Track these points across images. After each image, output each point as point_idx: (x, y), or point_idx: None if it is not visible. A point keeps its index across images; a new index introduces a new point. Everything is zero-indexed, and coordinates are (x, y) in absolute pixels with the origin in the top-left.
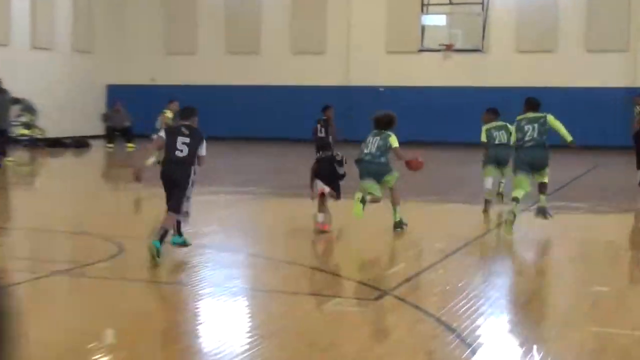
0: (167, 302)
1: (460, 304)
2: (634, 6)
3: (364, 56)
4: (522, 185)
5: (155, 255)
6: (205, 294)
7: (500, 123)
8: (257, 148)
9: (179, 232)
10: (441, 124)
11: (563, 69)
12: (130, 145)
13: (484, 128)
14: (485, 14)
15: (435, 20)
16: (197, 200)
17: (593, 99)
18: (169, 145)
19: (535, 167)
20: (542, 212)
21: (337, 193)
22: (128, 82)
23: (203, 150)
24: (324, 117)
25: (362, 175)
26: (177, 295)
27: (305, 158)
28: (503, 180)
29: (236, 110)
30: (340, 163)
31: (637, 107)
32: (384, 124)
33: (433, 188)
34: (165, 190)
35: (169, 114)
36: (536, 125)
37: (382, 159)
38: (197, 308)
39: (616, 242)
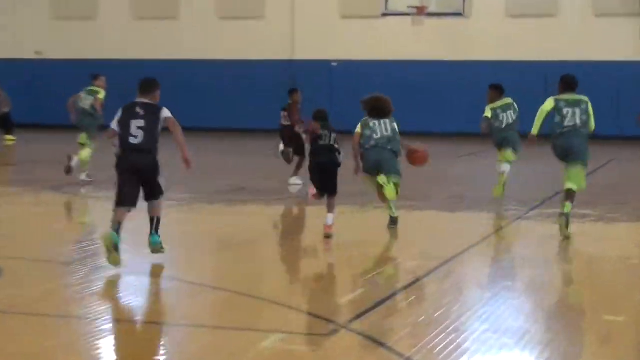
0: (59, 340)
1: (437, 340)
2: None
3: (313, 22)
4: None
5: (160, 249)
6: (107, 330)
7: (507, 101)
8: None
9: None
10: (412, 109)
11: (565, 38)
12: (9, 137)
13: (488, 107)
14: None
15: None
16: (102, 207)
17: (603, 76)
18: (123, 131)
19: (569, 159)
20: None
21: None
22: (5, 56)
23: (165, 113)
24: (290, 102)
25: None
26: (73, 331)
27: (242, 154)
28: (504, 170)
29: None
30: (338, 151)
31: None
32: (387, 112)
33: (405, 191)
34: (126, 183)
35: (102, 94)
36: (577, 110)
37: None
38: (96, 348)
39: (632, 260)
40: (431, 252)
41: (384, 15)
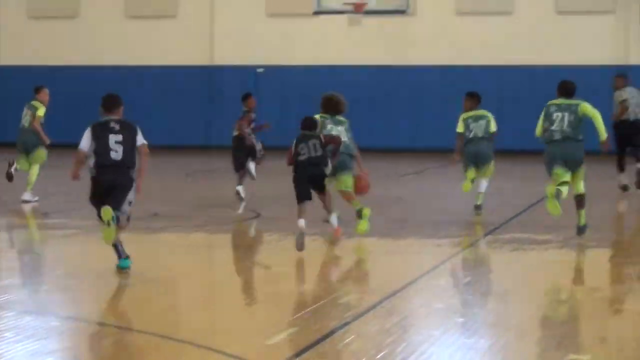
0: None
1: None
2: None
3: (235, 21)
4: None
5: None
6: None
7: (481, 112)
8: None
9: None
10: (349, 121)
11: (523, 39)
12: None
13: (461, 117)
14: None
15: None
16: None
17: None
18: (100, 147)
19: (568, 165)
20: (582, 231)
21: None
22: None
23: (141, 139)
24: (245, 109)
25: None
26: None
27: (153, 174)
28: (482, 190)
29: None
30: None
31: (617, 92)
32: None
33: (342, 216)
34: (99, 200)
35: (41, 110)
36: (566, 114)
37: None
38: None
39: (598, 292)
40: (372, 284)
41: (316, 13)
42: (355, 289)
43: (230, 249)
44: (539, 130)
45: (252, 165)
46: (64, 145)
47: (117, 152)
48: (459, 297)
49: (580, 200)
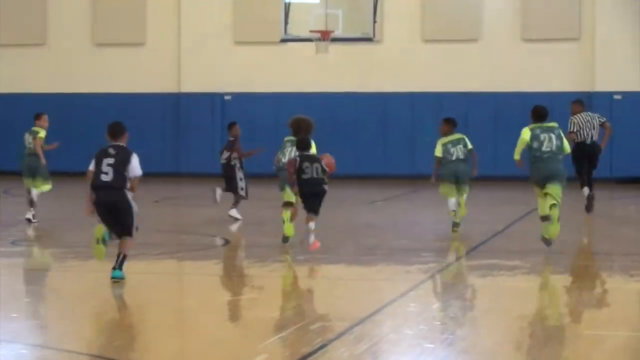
0: None
1: None
2: None
3: (202, 49)
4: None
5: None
6: None
7: (457, 136)
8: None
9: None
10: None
11: (489, 65)
12: None
13: (439, 142)
14: None
15: None
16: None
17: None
18: (97, 170)
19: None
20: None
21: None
22: None
23: (135, 169)
24: (230, 138)
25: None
26: None
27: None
28: (458, 208)
29: (9, 133)
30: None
31: (572, 118)
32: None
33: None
34: (103, 219)
35: (42, 133)
36: (552, 135)
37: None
38: None
39: (566, 317)
40: (342, 310)
41: (283, 41)
42: (326, 315)
43: (200, 276)
44: (518, 153)
45: (218, 190)
46: None
47: (107, 175)
48: (428, 323)
49: (553, 207)
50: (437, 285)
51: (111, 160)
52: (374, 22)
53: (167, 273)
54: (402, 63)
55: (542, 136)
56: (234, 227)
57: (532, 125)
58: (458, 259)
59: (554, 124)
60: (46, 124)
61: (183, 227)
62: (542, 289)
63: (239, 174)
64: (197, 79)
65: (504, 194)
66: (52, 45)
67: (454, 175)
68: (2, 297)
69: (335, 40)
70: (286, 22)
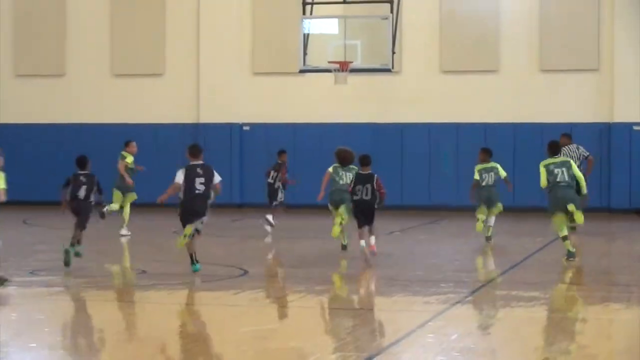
0: None
1: None
2: (605, 4)
3: (221, 80)
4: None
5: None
6: None
7: (491, 164)
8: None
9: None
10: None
11: (507, 96)
12: None
13: (476, 168)
14: (396, 18)
15: (323, 26)
16: None
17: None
18: (188, 184)
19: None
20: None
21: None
22: None
23: (217, 178)
24: (279, 162)
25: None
26: None
27: (141, 231)
28: (491, 224)
29: (25, 161)
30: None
31: (563, 149)
32: (350, 161)
33: (325, 272)
34: (187, 221)
35: (129, 158)
36: (564, 169)
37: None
38: None
39: (586, 349)
40: (359, 342)
41: (302, 71)
42: (345, 346)
43: (218, 306)
44: (544, 182)
45: (269, 217)
46: (50, 203)
47: (199, 190)
48: (447, 354)
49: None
50: (455, 316)
51: (202, 179)
52: (393, 53)
53: (186, 303)
54: (420, 94)
55: (555, 171)
56: (252, 259)
57: (548, 161)
58: (476, 290)
59: (566, 159)
60: (134, 150)
61: (201, 257)
62: (561, 321)
63: (280, 194)
64: (215, 109)
65: (522, 224)
66: (71, 76)
67: (486, 199)
68: (20, 327)
69: (354, 71)
70: (305, 53)
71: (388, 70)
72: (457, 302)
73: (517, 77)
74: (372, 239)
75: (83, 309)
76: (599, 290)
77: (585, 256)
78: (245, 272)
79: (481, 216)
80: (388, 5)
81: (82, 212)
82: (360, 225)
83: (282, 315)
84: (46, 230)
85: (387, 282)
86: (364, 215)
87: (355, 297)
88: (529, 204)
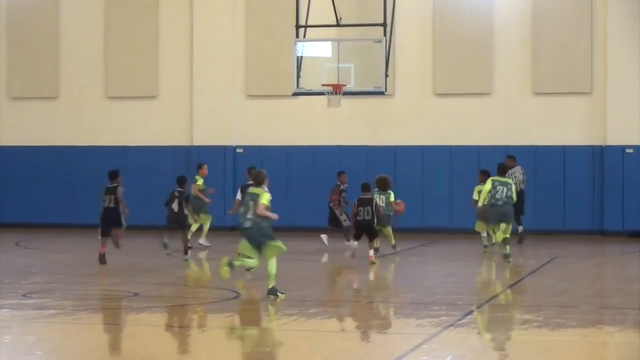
0: None
1: None
2: (597, 27)
3: (214, 102)
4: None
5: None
6: None
7: (502, 179)
8: (56, 238)
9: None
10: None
11: (500, 119)
12: None
13: (475, 189)
14: (389, 41)
15: (316, 49)
16: None
17: (546, 163)
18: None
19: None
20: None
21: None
22: None
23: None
24: (338, 183)
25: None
26: None
27: (133, 254)
28: (491, 239)
29: (19, 183)
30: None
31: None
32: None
33: (316, 296)
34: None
35: (200, 181)
36: (504, 188)
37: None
38: None
39: None
40: None
41: (296, 94)
42: None
43: (210, 329)
44: (484, 194)
45: (323, 236)
46: (45, 225)
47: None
48: None
49: (506, 239)
50: (448, 339)
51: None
52: (386, 75)
53: (178, 326)
54: (413, 116)
55: (498, 187)
56: (245, 282)
57: (493, 178)
58: (469, 312)
59: (509, 180)
60: (206, 172)
61: (194, 280)
62: (554, 343)
63: (339, 213)
64: (209, 132)
65: (514, 247)
66: (65, 98)
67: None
68: (14, 350)
69: (347, 93)
70: (298, 76)
71: (381, 93)
72: (450, 325)
73: (510, 100)
74: (371, 252)
75: (75, 332)
76: (593, 313)
77: (578, 279)
78: (238, 295)
79: (480, 229)
80: (381, 29)
81: (179, 223)
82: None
83: (276, 338)
84: (39, 252)
85: (380, 305)
86: (366, 232)
87: (348, 320)
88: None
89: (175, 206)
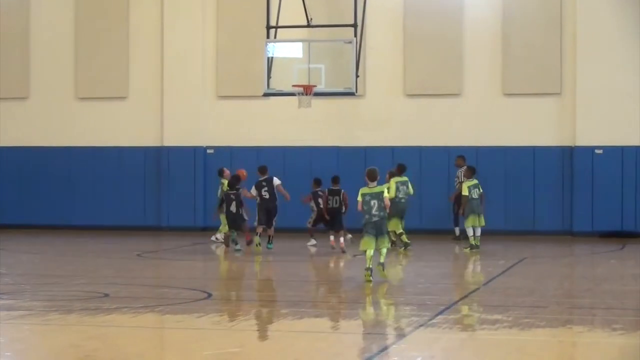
0: None
1: None
2: (567, 29)
3: (185, 103)
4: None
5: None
6: None
7: (474, 181)
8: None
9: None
10: (298, 204)
11: (470, 119)
12: None
13: (465, 185)
14: (359, 42)
15: (287, 50)
16: None
17: (515, 163)
18: (259, 193)
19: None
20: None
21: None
22: None
23: (277, 182)
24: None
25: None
26: None
27: (103, 255)
28: (479, 234)
29: None
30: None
31: (459, 170)
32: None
33: (288, 296)
34: (262, 217)
35: (226, 185)
36: (404, 187)
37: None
38: None
39: None
40: None
41: (266, 95)
42: None
43: (181, 330)
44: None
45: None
46: (15, 226)
47: (265, 196)
48: None
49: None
50: (418, 340)
51: (266, 188)
52: (356, 76)
53: (148, 327)
54: (383, 117)
55: (400, 188)
56: (216, 282)
57: (396, 179)
58: (440, 313)
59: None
60: (229, 175)
61: (164, 280)
62: (524, 344)
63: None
64: (179, 133)
65: (485, 247)
66: (35, 99)
67: (477, 209)
68: None
69: (318, 94)
70: (269, 77)
71: (352, 94)
72: (421, 325)
73: (480, 101)
74: (342, 240)
75: (45, 333)
76: (562, 313)
77: (547, 279)
78: (209, 295)
79: (474, 221)
80: (352, 30)
81: (238, 223)
82: (330, 228)
83: (245, 338)
84: (8, 253)
85: (351, 305)
86: (334, 219)
87: (318, 320)
88: (491, 227)
89: (233, 208)
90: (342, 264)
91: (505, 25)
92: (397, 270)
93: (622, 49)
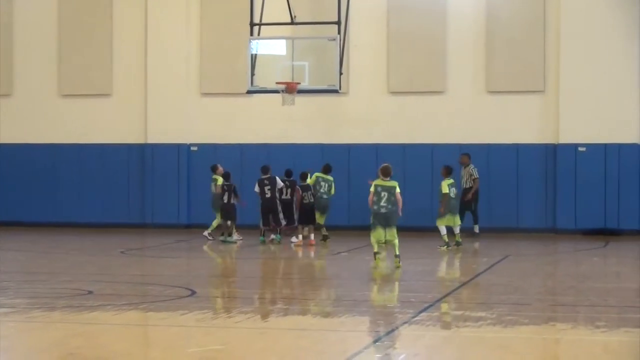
0: None
1: None
2: (551, 27)
3: (168, 100)
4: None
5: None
6: None
7: (451, 180)
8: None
9: (279, 233)
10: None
11: (454, 117)
12: None
13: (445, 182)
14: (343, 39)
15: (271, 47)
16: None
17: (499, 161)
18: (261, 191)
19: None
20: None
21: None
22: None
23: (280, 183)
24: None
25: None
26: None
27: (87, 252)
28: (458, 232)
29: None
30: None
31: (466, 168)
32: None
33: (278, 293)
34: (264, 216)
35: (220, 181)
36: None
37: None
38: None
39: None
40: None
41: (250, 92)
42: None
43: (165, 327)
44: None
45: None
46: None
47: (267, 194)
48: None
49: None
50: (402, 337)
51: (269, 186)
52: (340, 74)
53: (132, 324)
54: (367, 114)
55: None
56: (199, 279)
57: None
58: (423, 310)
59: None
60: (222, 171)
61: (148, 278)
62: (508, 341)
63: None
64: (163, 130)
65: (468, 244)
66: (19, 96)
67: (454, 209)
68: None
69: (302, 91)
70: (252, 74)
71: (335, 91)
72: (404, 323)
73: (463, 99)
74: (312, 235)
75: (29, 330)
76: (545, 311)
77: (531, 277)
78: (193, 292)
79: (450, 221)
80: (336, 27)
81: (230, 213)
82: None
83: (229, 336)
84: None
85: (334, 303)
86: (308, 215)
87: (302, 318)
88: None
89: (225, 198)
90: (326, 261)
91: (489, 23)
92: (382, 268)
93: (605, 47)
